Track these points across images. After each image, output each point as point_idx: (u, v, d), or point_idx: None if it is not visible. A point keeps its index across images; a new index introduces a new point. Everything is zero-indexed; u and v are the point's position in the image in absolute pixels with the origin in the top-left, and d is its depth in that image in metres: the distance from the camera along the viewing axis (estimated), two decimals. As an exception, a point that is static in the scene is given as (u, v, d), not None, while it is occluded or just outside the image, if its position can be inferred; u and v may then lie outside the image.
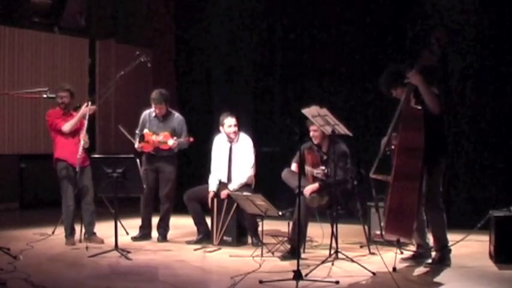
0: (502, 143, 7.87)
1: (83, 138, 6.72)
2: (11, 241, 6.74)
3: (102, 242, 6.82)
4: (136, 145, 7.06)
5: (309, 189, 6.13)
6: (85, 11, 11.12)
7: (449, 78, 8.04)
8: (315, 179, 6.22)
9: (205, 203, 6.86)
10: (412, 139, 5.36)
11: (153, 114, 7.18)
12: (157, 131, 7.04)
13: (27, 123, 10.29)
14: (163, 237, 7.15)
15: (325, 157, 6.18)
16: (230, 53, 9.88)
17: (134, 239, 7.15)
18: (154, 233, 7.25)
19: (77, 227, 6.96)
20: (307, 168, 6.36)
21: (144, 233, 7.22)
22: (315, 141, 6.26)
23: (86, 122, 6.78)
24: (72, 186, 6.82)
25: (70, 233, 6.87)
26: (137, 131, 7.20)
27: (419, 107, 5.49)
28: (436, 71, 5.65)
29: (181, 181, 9.76)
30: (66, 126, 6.80)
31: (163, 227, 7.19)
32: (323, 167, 5.98)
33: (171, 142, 6.91)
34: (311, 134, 6.26)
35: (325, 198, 6.03)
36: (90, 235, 6.90)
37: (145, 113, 7.24)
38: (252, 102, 9.71)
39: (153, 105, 7.11)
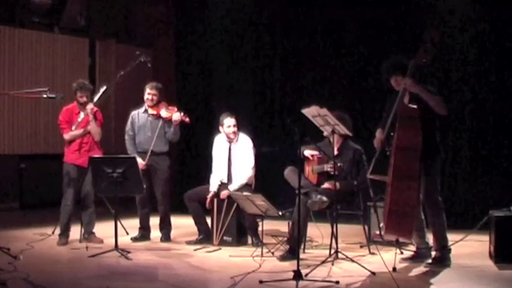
0: (502, 143, 7.87)
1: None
2: (11, 241, 6.74)
3: (101, 242, 6.82)
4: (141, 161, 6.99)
5: (326, 186, 6.18)
6: (85, 11, 11.11)
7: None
8: (320, 176, 6.24)
9: (206, 203, 6.86)
10: (410, 138, 5.37)
11: (142, 109, 7.16)
12: (151, 126, 7.05)
13: (27, 123, 10.28)
14: (166, 237, 7.15)
15: (336, 152, 6.16)
16: (230, 53, 9.88)
17: (134, 239, 7.14)
18: (154, 234, 7.25)
19: (75, 228, 6.97)
20: (308, 168, 6.37)
21: (143, 234, 7.21)
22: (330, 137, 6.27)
23: (91, 117, 6.81)
24: (73, 188, 6.83)
25: (63, 232, 6.87)
26: (129, 132, 7.16)
27: (415, 106, 5.50)
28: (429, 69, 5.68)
29: (181, 181, 9.81)
30: (68, 136, 6.84)
31: (166, 227, 7.19)
32: (336, 162, 5.96)
33: (176, 116, 6.92)
34: (325, 134, 6.25)
35: (326, 202, 6.03)
36: (89, 235, 6.90)
37: (134, 113, 7.22)
38: (252, 102, 9.71)
39: (146, 92, 7.07)
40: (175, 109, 7.07)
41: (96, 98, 6.92)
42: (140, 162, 6.83)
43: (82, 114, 6.81)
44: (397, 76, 5.71)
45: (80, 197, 6.93)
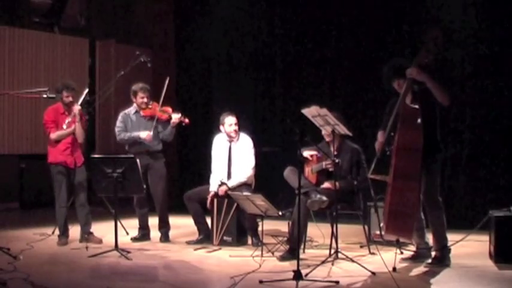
0: (502, 143, 7.87)
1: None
2: (11, 241, 6.74)
3: (100, 241, 6.82)
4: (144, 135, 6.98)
5: (325, 186, 6.20)
6: (85, 11, 11.11)
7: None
8: (319, 176, 6.25)
9: (206, 203, 6.86)
10: (411, 138, 5.36)
11: (133, 111, 7.14)
12: (145, 128, 7.03)
13: (27, 123, 10.28)
14: (166, 237, 7.14)
15: (334, 153, 6.17)
16: (230, 52, 9.89)
17: (134, 239, 7.14)
18: (154, 233, 7.25)
19: (75, 228, 6.97)
20: (308, 169, 6.37)
21: (143, 234, 7.21)
22: (327, 139, 6.26)
23: (78, 118, 6.77)
24: (65, 188, 6.82)
25: (62, 233, 6.87)
26: (120, 129, 7.10)
27: (417, 106, 5.50)
28: (432, 70, 5.67)
29: (181, 181, 9.82)
30: (54, 135, 6.82)
31: (165, 226, 7.18)
32: (334, 158, 5.97)
33: (176, 116, 6.92)
34: (323, 132, 6.27)
35: (326, 201, 6.03)
36: (87, 235, 6.90)
37: (124, 113, 7.18)
38: (252, 102, 9.71)
39: (139, 95, 7.04)
40: (170, 109, 7.08)
41: (80, 101, 6.90)
42: (148, 133, 6.89)
43: (70, 116, 6.77)
44: (399, 79, 5.71)
45: (72, 197, 6.94)
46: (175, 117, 6.96)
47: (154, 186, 7.10)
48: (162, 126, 7.08)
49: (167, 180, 7.33)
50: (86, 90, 7.12)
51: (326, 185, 6.20)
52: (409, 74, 5.50)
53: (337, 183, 5.85)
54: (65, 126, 6.76)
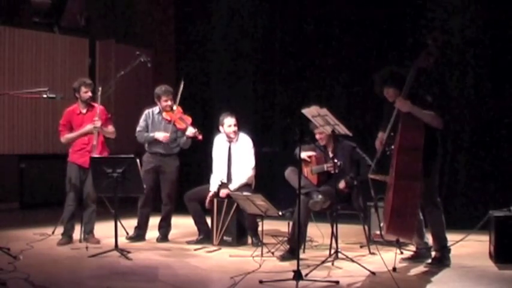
0: (502, 143, 7.87)
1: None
2: (11, 241, 6.74)
3: (98, 242, 6.82)
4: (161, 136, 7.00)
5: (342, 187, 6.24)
6: (85, 11, 11.12)
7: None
8: (320, 176, 6.26)
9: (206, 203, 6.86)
10: (412, 138, 5.36)
11: (157, 110, 7.15)
12: (165, 129, 7.03)
13: (27, 123, 10.28)
14: (164, 237, 7.14)
15: (331, 155, 6.20)
16: (230, 52, 9.88)
17: (129, 238, 7.13)
18: (151, 234, 7.24)
19: (77, 228, 6.97)
20: (307, 169, 6.37)
21: (139, 234, 7.18)
22: (322, 143, 6.29)
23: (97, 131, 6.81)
24: (75, 187, 6.84)
25: (64, 231, 6.88)
26: (140, 129, 7.13)
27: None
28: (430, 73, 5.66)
29: (181, 181, 9.80)
30: (63, 139, 6.90)
31: (165, 227, 7.19)
32: (335, 160, 5.99)
33: (190, 131, 6.92)
34: (317, 136, 6.29)
35: (327, 202, 6.04)
36: (88, 234, 6.90)
37: (148, 111, 7.20)
38: (252, 102, 9.71)
39: (162, 99, 7.05)
40: (190, 120, 7.08)
41: (99, 99, 6.92)
42: (165, 135, 6.92)
43: (97, 122, 6.77)
44: (388, 88, 5.70)
45: (82, 197, 6.95)
46: (191, 131, 6.96)
47: (165, 187, 7.13)
48: (181, 133, 7.09)
49: (178, 183, 7.31)
50: (100, 88, 7.10)
51: (342, 184, 6.21)
52: (396, 105, 5.51)
53: (341, 163, 5.96)
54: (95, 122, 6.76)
